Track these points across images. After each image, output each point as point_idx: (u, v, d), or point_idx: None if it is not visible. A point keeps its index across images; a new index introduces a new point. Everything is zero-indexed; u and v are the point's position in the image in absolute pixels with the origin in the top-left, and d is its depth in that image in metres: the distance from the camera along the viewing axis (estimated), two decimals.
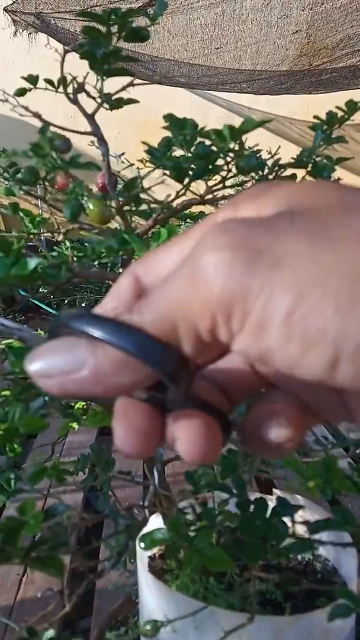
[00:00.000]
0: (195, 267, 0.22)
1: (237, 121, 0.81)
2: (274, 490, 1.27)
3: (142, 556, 1.12)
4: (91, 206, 0.67)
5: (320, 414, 0.28)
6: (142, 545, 0.59)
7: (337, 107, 0.92)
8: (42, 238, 0.97)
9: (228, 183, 0.88)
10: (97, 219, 0.69)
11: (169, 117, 0.72)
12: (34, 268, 0.46)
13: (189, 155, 0.77)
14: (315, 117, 0.93)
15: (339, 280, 0.20)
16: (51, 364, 0.24)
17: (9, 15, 2.48)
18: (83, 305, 4.90)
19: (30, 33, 2.57)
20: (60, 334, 0.25)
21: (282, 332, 0.20)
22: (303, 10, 1.99)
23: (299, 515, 0.64)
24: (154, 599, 1.00)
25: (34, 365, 0.24)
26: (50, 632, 0.67)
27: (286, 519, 0.61)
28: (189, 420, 0.25)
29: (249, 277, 0.20)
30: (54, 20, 2.29)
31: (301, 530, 0.67)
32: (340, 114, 0.93)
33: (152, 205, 0.81)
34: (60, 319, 0.25)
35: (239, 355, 0.27)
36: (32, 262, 0.47)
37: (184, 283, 0.22)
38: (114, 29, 0.73)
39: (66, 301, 4.81)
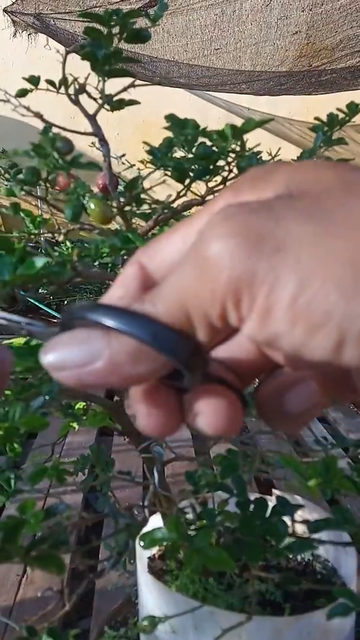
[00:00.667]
0: (201, 256, 0.22)
1: (236, 122, 0.82)
2: (274, 490, 1.27)
3: (142, 557, 1.12)
4: (92, 206, 0.67)
5: (327, 394, 0.28)
6: (142, 544, 0.59)
7: (338, 109, 0.93)
8: (43, 239, 0.97)
9: (229, 184, 0.88)
10: (99, 219, 0.69)
11: (170, 118, 0.73)
12: (41, 267, 0.46)
13: (190, 156, 0.77)
14: (316, 118, 0.94)
15: (341, 264, 0.20)
16: (66, 356, 0.24)
17: (9, 16, 2.48)
18: None
19: (30, 34, 2.57)
20: (73, 325, 0.25)
21: (288, 317, 0.21)
22: (303, 11, 1.99)
23: (299, 515, 0.65)
24: (153, 600, 1.00)
25: (49, 358, 0.25)
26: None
27: (286, 519, 0.61)
28: (210, 393, 0.25)
29: (254, 263, 0.21)
30: (53, 21, 2.29)
31: (301, 530, 0.67)
32: (341, 115, 0.94)
33: (153, 206, 0.81)
34: (73, 311, 0.25)
35: (247, 338, 0.28)
36: (39, 262, 0.47)
37: (191, 272, 0.23)
38: (115, 30, 0.73)
39: (66, 302, 4.80)
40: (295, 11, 2.00)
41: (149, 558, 1.17)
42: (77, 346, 0.24)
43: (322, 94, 2.63)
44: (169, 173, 0.77)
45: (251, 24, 2.09)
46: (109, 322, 0.23)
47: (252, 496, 0.69)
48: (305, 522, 0.58)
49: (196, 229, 0.24)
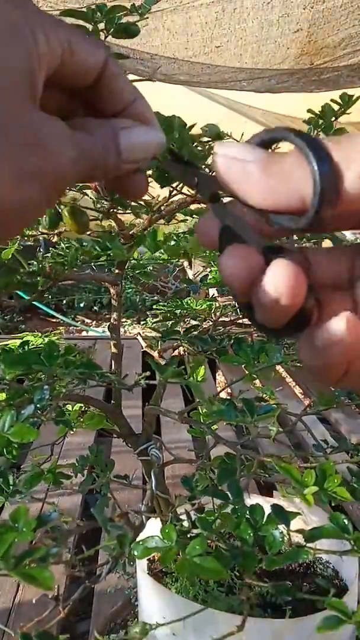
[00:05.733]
0: None
1: (237, 119, 0.81)
2: (275, 493, 1.26)
3: None
4: (66, 214, 0.66)
5: None
6: (136, 553, 0.58)
7: (332, 100, 0.91)
8: (41, 239, 0.96)
9: None
10: (73, 228, 0.68)
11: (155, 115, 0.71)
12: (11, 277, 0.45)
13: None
14: (309, 110, 0.92)
15: None
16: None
17: None
18: (82, 305, 4.89)
19: None
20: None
21: None
22: (304, 9, 1.97)
23: (297, 520, 0.63)
24: (153, 602, 0.99)
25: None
26: None
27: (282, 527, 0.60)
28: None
29: None
30: None
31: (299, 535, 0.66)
32: (336, 107, 0.92)
33: (143, 206, 0.80)
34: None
35: None
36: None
37: None
38: (102, 25, 0.71)
39: (64, 301, 4.80)
40: (296, 9, 1.99)
41: (149, 560, 1.17)
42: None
43: (323, 91, 2.62)
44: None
45: (252, 22, 2.07)
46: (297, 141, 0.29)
47: (251, 500, 0.68)
48: (299, 531, 0.56)
49: None
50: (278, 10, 1.98)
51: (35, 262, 0.69)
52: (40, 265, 0.67)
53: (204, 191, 0.37)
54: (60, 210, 0.63)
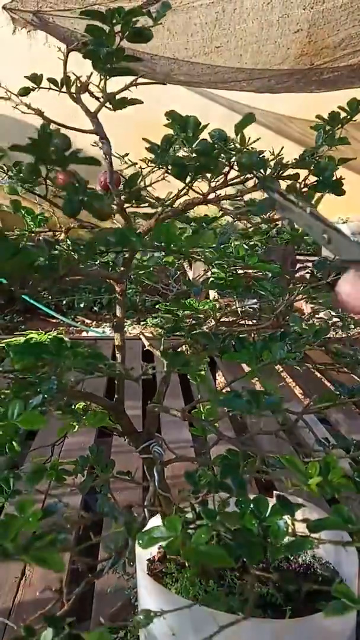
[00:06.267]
0: None
1: (237, 119, 0.81)
2: (274, 492, 1.26)
3: (141, 559, 1.11)
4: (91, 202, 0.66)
5: None
6: (141, 542, 0.58)
7: (340, 107, 0.92)
8: (41, 238, 0.96)
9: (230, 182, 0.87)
10: (96, 216, 0.68)
11: (171, 114, 0.72)
12: (34, 257, 0.45)
13: (193, 154, 0.76)
14: (318, 116, 0.93)
15: None
16: None
17: (8, 13, 2.46)
18: (82, 305, 4.89)
19: (29, 31, 2.54)
20: None
21: None
22: (304, 9, 1.98)
23: (298, 516, 0.64)
24: (153, 602, 0.99)
25: None
26: (49, 632, 0.67)
27: (286, 518, 0.61)
28: None
29: None
30: (52, 19, 2.27)
31: (300, 530, 0.66)
32: (342, 114, 0.93)
33: (153, 202, 0.80)
34: None
35: None
36: (34, 252, 0.46)
37: None
38: (117, 28, 0.72)
39: (64, 302, 4.80)
40: (296, 9, 1.99)
41: (149, 560, 1.17)
42: None
43: (323, 92, 2.62)
44: (169, 170, 0.76)
45: (252, 22, 2.08)
46: None
47: (252, 496, 0.68)
48: (305, 520, 0.57)
49: None
50: (278, 10, 1.99)
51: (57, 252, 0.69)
52: (60, 251, 0.67)
53: (343, 253, 0.35)
54: (82, 198, 0.64)
